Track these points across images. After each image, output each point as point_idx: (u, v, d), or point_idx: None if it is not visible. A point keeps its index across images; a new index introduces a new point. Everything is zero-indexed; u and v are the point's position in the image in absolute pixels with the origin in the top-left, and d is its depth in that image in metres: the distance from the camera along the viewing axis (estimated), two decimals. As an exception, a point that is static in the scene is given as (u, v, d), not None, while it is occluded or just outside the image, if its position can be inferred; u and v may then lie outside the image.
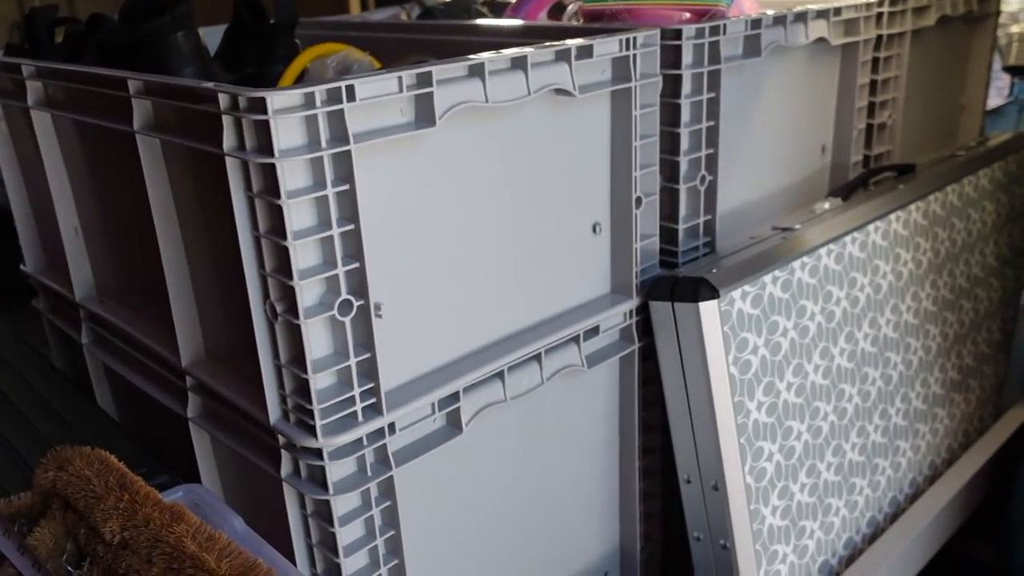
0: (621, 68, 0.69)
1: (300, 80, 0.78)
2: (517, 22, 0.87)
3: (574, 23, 0.92)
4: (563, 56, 0.64)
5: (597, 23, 0.81)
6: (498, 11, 1.06)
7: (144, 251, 0.69)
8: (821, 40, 0.89)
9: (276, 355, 0.58)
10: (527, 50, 0.61)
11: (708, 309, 0.72)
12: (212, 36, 0.88)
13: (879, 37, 0.98)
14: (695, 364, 0.73)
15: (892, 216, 0.92)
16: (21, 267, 0.96)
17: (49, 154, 0.80)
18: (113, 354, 0.81)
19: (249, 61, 0.80)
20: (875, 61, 0.99)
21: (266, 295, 0.56)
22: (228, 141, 0.52)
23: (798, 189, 0.96)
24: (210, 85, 0.53)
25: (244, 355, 0.61)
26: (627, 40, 0.68)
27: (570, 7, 0.96)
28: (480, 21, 0.89)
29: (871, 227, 0.89)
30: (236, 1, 0.87)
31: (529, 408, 0.72)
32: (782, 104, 0.89)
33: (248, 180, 0.53)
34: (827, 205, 0.92)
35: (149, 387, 0.75)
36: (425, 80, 0.56)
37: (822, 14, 0.88)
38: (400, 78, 0.54)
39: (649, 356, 0.79)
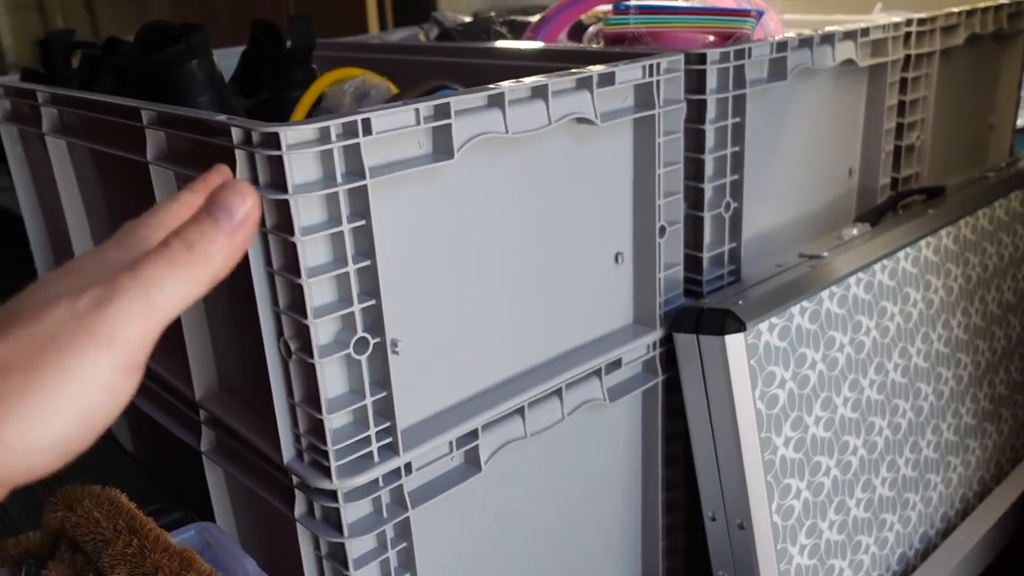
0: (644, 95, 0.67)
1: (317, 105, 0.76)
2: (536, 45, 0.86)
3: (594, 45, 0.90)
4: (584, 84, 0.63)
5: (618, 46, 0.79)
6: (517, 31, 1.05)
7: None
8: (848, 62, 0.86)
9: (290, 393, 0.56)
10: (547, 79, 0.60)
11: (734, 342, 0.70)
12: (229, 58, 0.88)
13: (907, 57, 0.96)
14: (721, 399, 0.71)
15: (922, 242, 0.89)
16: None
17: (64, 180, 0.80)
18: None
19: (266, 86, 0.79)
20: (903, 81, 0.97)
21: (280, 332, 0.55)
22: (241, 176, 0.51)
23: (825, 213, 0.94)
24: (223, 118, 0.51)
25: (257, 390, 0.59)
26: (650, 66, 0.67)
27: (591, 28, 0.95)
28: (499, 44, 0.88)
29: (901, 254, 0.86)
30: (253, 24, 0.86)
31: (549, 443, 0.70)
32: (808, 127, 0.87)
33: (262, 216, 0.52)
34: (855, 231, 0.90)
35: (162, 417, 0.73)
36: (443, 111, 0.54)
37: (849, 35, 0.86)
38: (417, 110, 0.53)
39: (673, 388, 0.77)
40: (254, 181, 0.51)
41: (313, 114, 0.75)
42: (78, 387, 0.28)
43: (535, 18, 1.16)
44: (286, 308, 0.53)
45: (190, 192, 0.37)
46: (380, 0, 2.19)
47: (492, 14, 1.05)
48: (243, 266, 0.54)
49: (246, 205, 0.32)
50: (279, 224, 0.52)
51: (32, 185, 0.91)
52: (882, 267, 0.84)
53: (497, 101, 0.57)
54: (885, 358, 0.84)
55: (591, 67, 0.64)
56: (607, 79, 0.64)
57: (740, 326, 0.70)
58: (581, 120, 0.63)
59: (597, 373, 0.70)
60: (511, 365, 0.66)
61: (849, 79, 0.91)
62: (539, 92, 0.60)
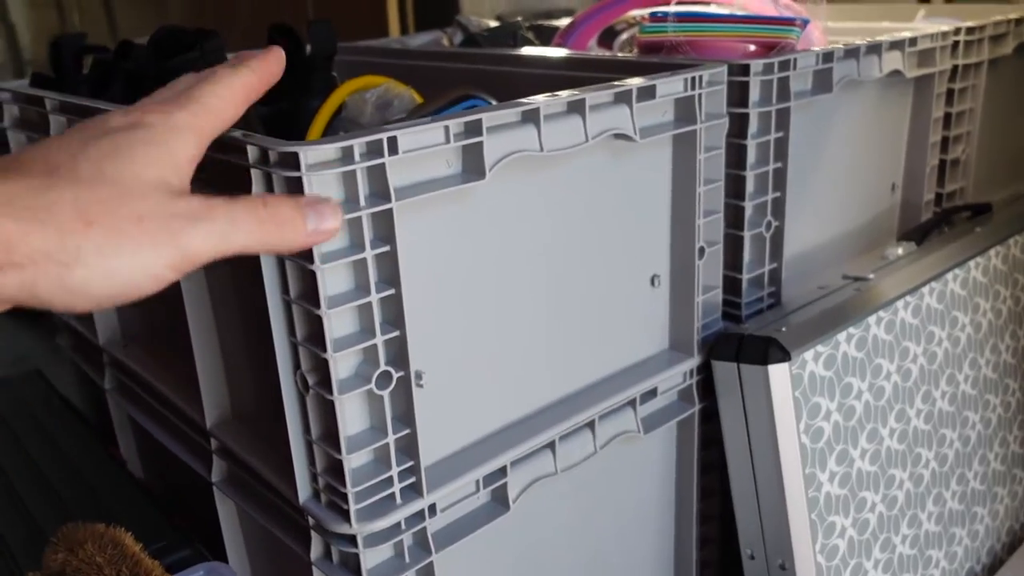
0: (685, 109, 0.63)
1: (337, 115, 0.73)
2: (567, 53, 0.82)
3: (627, 54, 0.86)
4: (623, 98, 0.58)
5: (654, 55, 0.75)
6: (545, 36, 1.01)
7: (168, 299, 0.64)
8: (895, 73, 0.82)
9: (307, 429, 0.52)
10: (584, 92, 0.56)
11: (778, 373, 0.65)
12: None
13: (954, 68, 0.91)
14: (762, 432, 0.67)
15: (971, 263, 0.84)
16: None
17: (73, 191, 0.76)
18: (136, 404, 0.76)
19: (284, 94, 0.75)
20: (949, 93, 0.92)
21: (297, 365, 0.51)
22: (256, 187, 0.47)
23: (867, 230, 0.89)
24: (237, 134, 0.48)
25: (271, 421, 0.56)
26: (692, 79, 0.62)
27: (623, 35, 0.91)
28: (527, 51, 0.84)
29: (949, 275, 0.82)
30: (271, 29, 0.83)
31: (579, 477, 0.66)
32: (851, 141, 0.83)
33: (279, 240, 0.48)
34: (900, 250, 0.85)
35: (173, 444, 0.70)
36: (474, 129, 0.50)
37: (896, 45, 0.81)
38: (447, 127, 0.49)
39: (709, 417, 0.73)
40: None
41: (333, 124, 0.72)
42: (139, 267, 0.33)
43: (562, 22, 1.12)
44: (304, 340, 0.50)
45: (248, 70, 0.42)
46: (401, 2, 2.15)
47: (519, 19, 1.01)
48: (258, 291, 0.50)
49: (332, 224, 0.41)
50: (298, 254, 0.48)
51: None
52: (930, 290, 0.79)
53: (531, 117, 0.53)
54: (932, 386, 0.80)
55: (629, 80, 0.59)
56: (647, 93, 0.60)
57: (784, 355, 0.65)
58: (619, 136, 0.59)
59: (631, 403, 0.66)
60: (541, 395, 0.62)
61: (894, 90, 0.86)
62: (576, 107, 0.56)
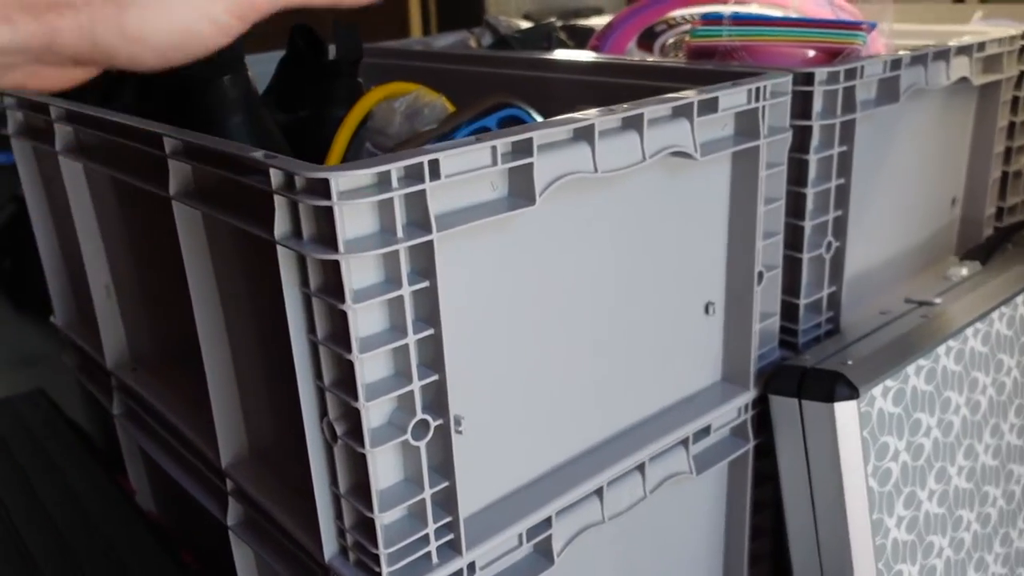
0: (747, 122, 0.58)
1: (363, 125, 0.67)
2: (608, 57, 0.76)
3: (671, 58, 0.80)
4: (683, 112, 0.53)
5: (706, 60, 0.69)
6: (579, 37, 0.95)
7: (181, 325, 0.59)
8: (962, 80, 0.76)
9: (334, 481, 0.47)
10: (641, 107, 0.50)
11: (846, 411, 0.60)
12: (264, 64, 0.79)
13: (1021, 74, 0.85)
14: (826, 475, 0.61)
15: (1040, 284, 0.78)
16: (51, 319, 0.87)
17: (78, 203, 0.71)
18: (147, 433, 0.71)
19: (306, 102, 0.70)
20: (1014, 101, 0.86)
21: (323, 412, 0.46)
22: (281, 227, 0.42)
23: (925, 248, 0.83)
24: (259, 155, 0.42)
25: (294, 464, 0.51)
26: (756, 90, 0.57)
27: (665, 38, 0.85)
28: (563, 55, 0.78)
29: (1019, 299, 0.76)
30: (293, 30, 0.77)
31: (624, 520, 0.60)
32: (912, 153, 0.77)
33: (304, 274, 0.43)
34: (964, 270, 0.79)
35: (186, 480, 0.65)
36: (523, 148, 0.45)
37: (964, 50, 0.75)
38: (494, 148, 0.43)
39: (763, 452, 0.67)
40: (296, 235, 0.42)
41: (359, 135, 0.66)
42: (196, 7, 0.32)
43: (594, 22, 1.06)
44: (332, 385, 0.44)
45: None
46: (424, 1, 2.09)
47: (553, 19, 0.95)
48: (280, 326, 0.44)
49: None
50: (326, 286, 0.43)
51: (46, 204, 0.83)
52: (1000, 315, 0.73)
53: (585, 135, 0.48)
54: (1001, 418, 0.74)
55: (687, 91, 0.54)
56: (708, 106, 0.54)
57: (852, 392, 0.60)
58: (677, 154, 0.53)
59: (684, 443, 0.61)
60: (587, 435, 0.57)
61: (957, 99, 0.80)
62: (632, 123, 0.50)
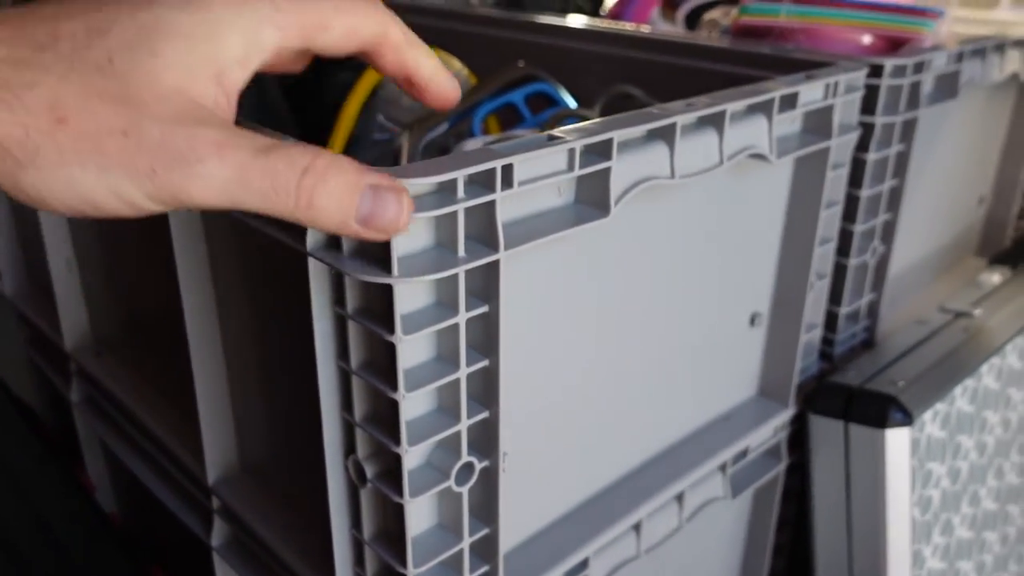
0: (818, 120, 0.52)
1: (373, 96, 0.59)
2: (641, 30, 0.69)
3: (707, 32, 0.73)
4: (762, 109, 0.47)
5: (756, 41, 0.62)
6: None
7: (158, 310, 0.52)
8: (1012, 75, 0.71)
9: (356, 524, 0.40)
10: (723, 102, 0.43)
11: (898, 438, 0.55)
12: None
13: (1060, 69, 0.80)
14: (867, 504, 0.57)
15: (1070, 294, 0.75)
16: (-3, 287, 0.78)
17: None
18: (112, 429, 0.64)
19: (308, 68, 0.61)
20: (1047, 97, 0.82)
21: (350, 448, 0.39)
22: (313, 237, 0.34)
23: (950, 248, 0.79)
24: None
25: (297, 486, 0.44)
26: (832, 85, 0.51)
27: (689, 4, 0.78)
28: (586, 23, 0.71)
29: (1052, 310, 0.72)
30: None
31: (655, 551, 0.55)
32: (953, 152, 0.72)
33: (340, 292, 0.36)
34: (996, 277, 0.75)
35: (159, 488, 0.58)
36: (601, 150, 0.38)
37: (1019, 44, 0.70)
38: (572, 151, 0.37)
39: (791, 470, 0.63)
40: (334, 247, 0.34)
41: (369, 105, 0.58)
42: (105, 186, 0.27)
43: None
44: (363, 420, 0.38)
45: (397, 27, 0.33)
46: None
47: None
48: (291, 332, 0.37)
49: (394, 222, 0.30)
50: (367, 308, 0.35)
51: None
52: (1035, 328, 0.70)
53: (663, 134, 0.41)
54: (1026, 435, 0.71)
55: (766, 83, 0.47)
56: (788, 102, 0.48)
57: (907, 419, 0.55)
58: (754, 156, 0.47)
59: (722, 467, 0.56)
60: (625, 461, 0.51)
61: (999, 95, 0.76)
62: (711, 121, 0.44)
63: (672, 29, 0.74)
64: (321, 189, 0.28)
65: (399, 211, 0.30)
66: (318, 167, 0.28)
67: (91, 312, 0.66)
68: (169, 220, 0.45)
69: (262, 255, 0.42)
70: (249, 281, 0.45)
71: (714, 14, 0.70)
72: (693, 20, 0.74)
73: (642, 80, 0.64)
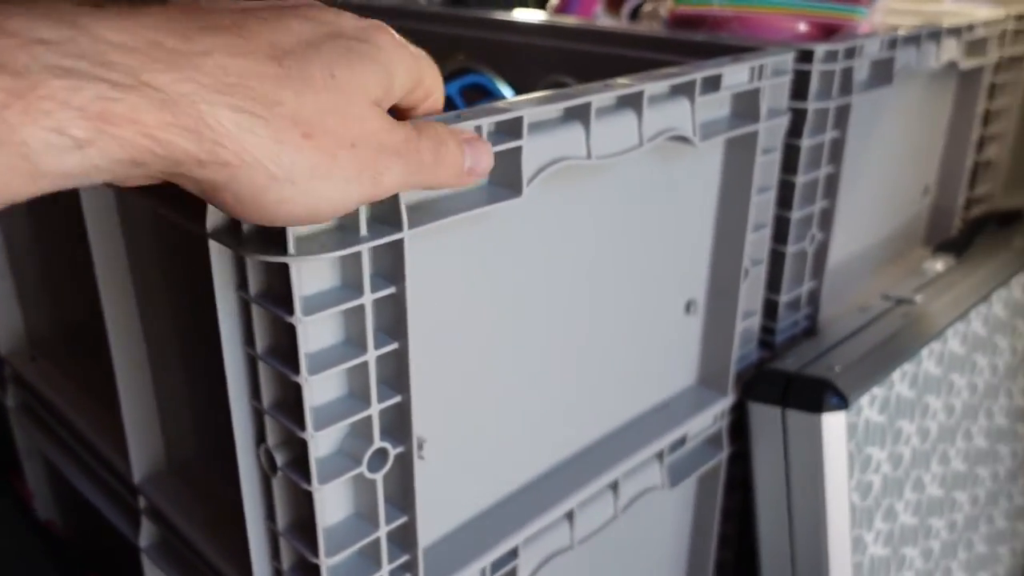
0: (745, 104, 0.52)
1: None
2: (580, 23, 0.69)
3: (646, 24, 0.73)
4: (684, 91, 0.46)
5: (691, 31, 0.63)
6: (539, -2, 0.87)
7: (89, 313, 0.51)
8: (949, 63, 0.72)
9: (270, 515, 0.40)
10: (640, 82, 0.43)
11: (834, 422, 0.55)
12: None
13: (999, 60, 0.81)
14: (807, 490, 0.57)
15: (1014, 280, 0.76)
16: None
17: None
18: (46, 433, 0.62)
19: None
20: (991, 88, 0.83)
21: (260, 438, 0.38)
22: (213, 217, 0.34)
23: (895, 237, 0.80)
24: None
25: (220, 482, 0.43)
26: (758, 68, 0.51)
27: (634, 1, 0.78)
28: (527, 17, 0.71)
29: (994, 296, 0.73)
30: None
31: (591, 541, 0.55)
32: (892, 141, 0.72)
33: (242, 275, 0.35)
34: (939, 265, 0.76)
35: (91, 492, 0.56)
36: (511, 129, 0.38)
37: (954, 32, 0.71)
38: (479, 127, 0.36)
39: (735, 459, 0.62)
40: (233, 230, 0.34)
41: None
42: (337, 197, 0.29)
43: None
44: (271, 407, 0.37)
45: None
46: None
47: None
48: (206, 323, 0.37)
49: (486, 165, 0.35)
50: (268, 290, 0.35)
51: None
52: (977, 313, 0.70)
53: (579, 114, 0.41)
54: (971, 421, 0.71)
55: (683, 67, 0.47)
56: (711, 84, 0.48)
57: (842, 402, 0.55)
58: (675, 138, 0.47)
59: (659, 455, 0.55)
60: (556, 451, 0.51)
61: (938, 83, 0.76)
62: (630, 102, 0.43)
63: (616, 24, 0.74)
64: (444, 151, 0.32)
65: (490, 156, 0.34)
66: (442, 135, 0.32)
67: (26, 316, 0.65)
68: (84, 216, 0.44)
69: (175, 246, 0.41)
70: (166, 273, 0.44)
71: (651, 6, 0.70)
72: (637, 16, 0.74)
73: (582, 71, 0.64)
